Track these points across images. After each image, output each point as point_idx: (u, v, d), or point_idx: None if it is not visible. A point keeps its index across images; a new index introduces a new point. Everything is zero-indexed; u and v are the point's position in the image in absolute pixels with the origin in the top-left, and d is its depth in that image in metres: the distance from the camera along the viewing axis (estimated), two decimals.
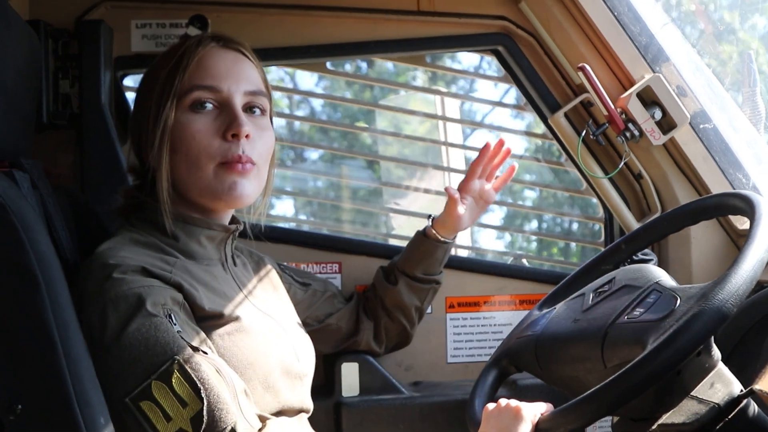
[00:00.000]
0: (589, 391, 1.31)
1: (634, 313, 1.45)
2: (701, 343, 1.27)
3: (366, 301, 2.16)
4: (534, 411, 1.45)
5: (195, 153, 1.58)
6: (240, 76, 1.63)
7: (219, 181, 1.58)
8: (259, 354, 1.55)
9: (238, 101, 1.61)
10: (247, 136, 1.59)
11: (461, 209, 2.07)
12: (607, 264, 1.83)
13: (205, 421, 1.35)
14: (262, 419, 1.45)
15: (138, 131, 1.65)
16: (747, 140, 2.39)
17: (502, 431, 1.45)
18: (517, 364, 1.76)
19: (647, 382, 1.26)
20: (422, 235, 2.11)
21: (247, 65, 1.66)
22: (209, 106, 1.59)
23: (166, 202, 1.58)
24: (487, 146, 2.09)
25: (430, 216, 2.14)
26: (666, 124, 2.24)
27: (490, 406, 1.52)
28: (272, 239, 2.28)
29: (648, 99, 2.24)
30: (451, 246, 2.14)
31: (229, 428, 1.36)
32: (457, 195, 2.06)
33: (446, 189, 2.08)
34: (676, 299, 1.40)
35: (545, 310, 1.77)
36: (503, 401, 1.51)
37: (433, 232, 2.10)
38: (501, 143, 2.11)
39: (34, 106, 1.66)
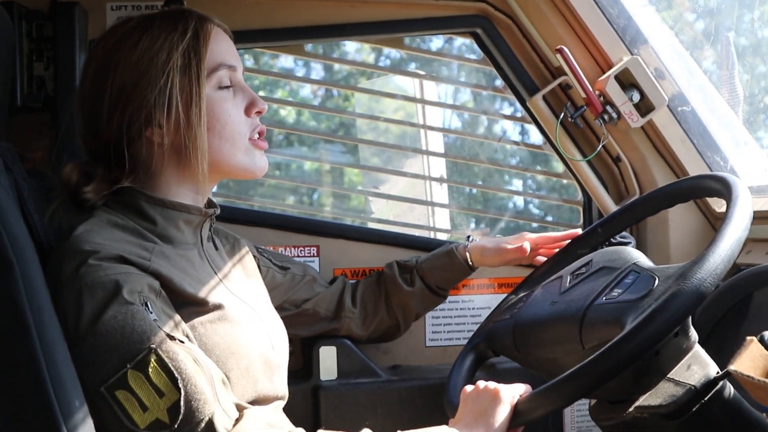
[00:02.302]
0: (567, 372, 1.31)
1: (612, 293, 1.46)
2: (680, 322, 1.27)
3: (365, 290, 2.13)
4: (512, 393, 1.46)
5: (230, 131, 1.60)
6: (238, 56, 1.67)
7: (250, 158, 1.63)
8: (239, 343, 1.54)
9: (243, 79, 1.67)
10: None
11: (510, 248, 2.03)
12: (584, 248, 1.84)
13: (182, 411, 1.33)
14: (239, 408, 1.43)
15: (133, 107, 1.54)
16: (725, 123, 2.39)
17: (481, 414, 1.45)
18: (494, 348, 1.76)
19: (626, 362, 1.27)
20: (454, 252, 2.07)
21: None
22: (228, 83, 1.61)
23: (205, 182, 1.59)
24: (575, 234, 2.01)
25: (468, 237, 2.12)
26: (644, 107, 2.24)
27: (468, 388, 1.52)
28: (249, 222, 2.27)
29: (626, 81, 2.24)
30: (470, 273, 2.10)
31: (206, 419, 1.34)
32: (528, 249, 2.02)
33: (524, 247, 2.01)
34: (654, 279, 1.41)
35: (522, 294, 1.78)
36: (481, 383, 1.51)
37: (466, 254, 2.06)
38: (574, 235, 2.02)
39: (8, 89, 1.65)
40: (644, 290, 1.40)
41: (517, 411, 1.43)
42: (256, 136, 1.64)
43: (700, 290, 1.26)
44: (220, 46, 1.62)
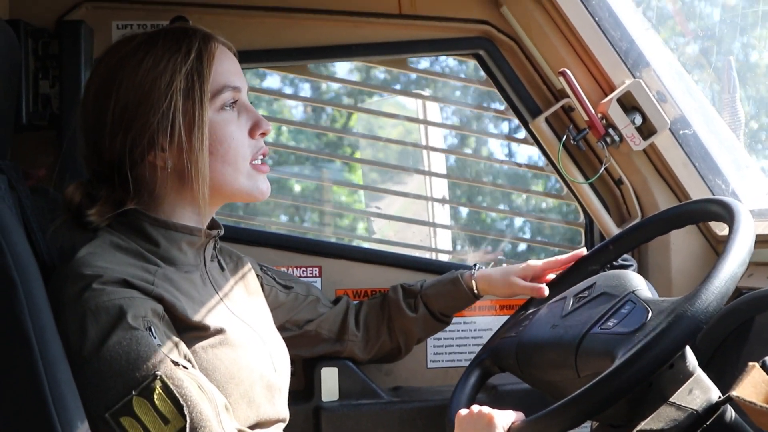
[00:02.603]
0: (557, 403, 1.33)
1: (608, 324, 1.47)
2: (668, 359, 1.28)
3: (368, 313, 2.11)
4: (506, 420, 1.47)
5: (233, 154, 1.58)
6: (242, 75, 1.65)
7: (253, 181, 1.61)
8: (240, 367, 1.53)
9: (247, 99, 1.65)
10: None
11: (522, 285, 1.98)
12: (595, 264, 1.85)
13: None
14: None
15: (136, 130, 1.53)
16: (727, 146, 2.40)
17: None
18: (499, 365, 1.78)
19: (614, 397, 1.28)
20: (459, 280, 2.05)
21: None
22: (232, 105, 1.60)
23: (206, 206, 1.58)
24: (581, 254, 1.98)
25: (475, 264, 2.08)
26: (646, 130, 2.25)
27: (463, 412, 1.53)
28: (252, 242, 2.27)
29: (628, 104, 2.25)
30: (474, 302, 2.09)
31: None
32: (545, 293, 1.93)
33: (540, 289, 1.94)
34: (648, 312, 1.41)
35: (531, 310, 1.79)
36: (476, 408, 1.52)
37: (472, 282, 2.03)
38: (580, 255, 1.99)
39: (13, 107, 1.64)
40: (637, 324, 1.41)
41: None
42: (260, 159, 1.62)
43: (691, 327, 1.27)
44: (225, 67, 1.60)
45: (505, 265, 2.10)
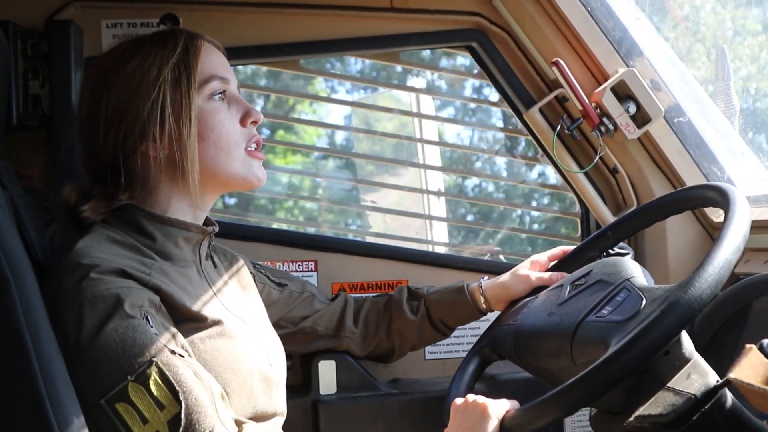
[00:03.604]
0: (551, 392, 1.33)
1: (602, 312, 1.47)
2: (662, 347, 1.27)
3: (369, 310, 2.09)
4: (500, 409, 1.46)
5: (225, 140, 1.60)
6: (231, 71, 1.68)
7: (247, 167, 1.63)
8: (238, 358, 1.53)
9: (237, 93, 1.67)
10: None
11: (536, 276, 1.94)
12: (594, 251, 1.85)
13: (182, 424, 1.33)
14: (238, 423, 1.43)
15: (128, 123, 1.56)
16: (721, 133, 2.40)
17: (469, 429, 1.46)
18: (498, 352, 1.79)
19: (607, 386, 1.28)
20: (464, 289, 2.01)
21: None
22: (219, 96, 1.62)
23: (197, 194, 1.59)
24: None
25: (483, 277, 2.03)
26: (640, 118, 2.25)
27: (459, 401, 1.53)
28: (247, 238, 2.27)
29: (622, 93, 2.24)
30: (478, 317, 2.03)
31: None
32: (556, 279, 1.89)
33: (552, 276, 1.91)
34: (642, 300, 1.41)
35: (529, 298, 1.79)
36: (470, 397, 1.52)
37: (478, 294, 1.99)
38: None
39: (3, 108, 1.64)
40: (631, 312, 1.41)
41: (503, 427, 1.44)
42: (253, 146, 1.65)
43: (685, 316, 1.26)
44: (212, 60, 1.64)
45: (501, 257, 2.10)
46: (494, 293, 1.97)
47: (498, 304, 1.97)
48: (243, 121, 1.64)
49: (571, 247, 1.98)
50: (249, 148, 1.64)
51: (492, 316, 1.96)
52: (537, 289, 1.87)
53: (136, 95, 1.56)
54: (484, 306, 1.99)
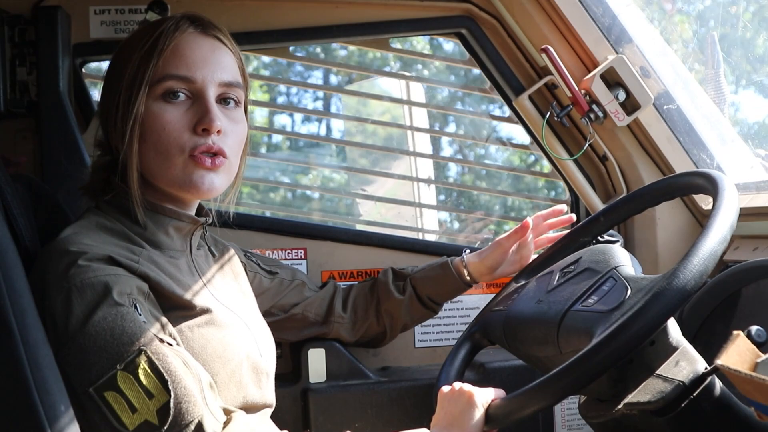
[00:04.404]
0: (535, 382, 1.33)
1: (588, 301, 1.48)
2: (645, 338, 1.27)
3: (357, 295, 2.11)
4: (486, 397, 1.48)
5: (165, 144, 1.52)
6: (216, 65, 1.57)
7: (187, 174, 1.53)
8: (227, 347, 1.53)
9: (212, 93, 1.56)
10: (218, 132, 1.54)
11: (512, 248, 2.01)
12: (586, 236, 1.85)
13: (171, 413, 1.32)
14: (227, 412, 1.42)
15: (105, 115, 1.59)
16: (711, 121, 2.39)
17: (456, 417, 1.47)
18: (489, 338, 1.80)
19: (590, 376, 1.28)
20: (448, 264, 2.04)
21: (225, 53, 1.60)
22: (182, 96, 1.54)
23: (136, 192, 1.54)
24: (561, 210, 2.06)
25: (466, 250, 2.07)
26: (630, 106, 2.24)
27: (446, 389, 1.54)
28: (236, 226, 2.26)
29: (611, 80, 2.24)
30: (465, 289, 2.07)
31: (195, 421, 1.33)
32: (530, 224, 1.99)
33: (526, 220, 1.99)
34: (627, 290, 1.42)
35: (521, 282, 1.80)
36: (457, 385, 1.52)
37: (462, 267, 2.03)
38: (561, 211, 2.07)
39: None
40: (616, 302, 1.41)
41: (489, 415, 1.45)
42: (204, 154, 1.54)
43: (668, 306, 1.26)
44: (183, 55, 1.55)
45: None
46: (475, 264, 2.02)
47: (481, 275, 2.03)
48: (195, 127, 1.54)
49: (547, 211, 2.05)
50: (195, 155, 1.53)
51: (483, 302, 1.97)
52: (529, 272, 1.87)
53: (107, 91, 1.59)
54: (468, 278, 2.03)
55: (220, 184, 1.57)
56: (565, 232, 1.96)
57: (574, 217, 2.09)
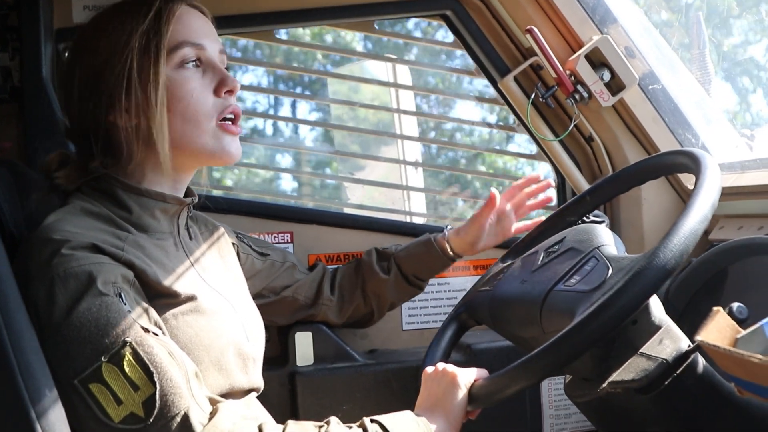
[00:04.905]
0: (517, 361, 1.34)
1: (571, 281, 1.49)
2: (626, 318, 1.27)
3: (343, 277, 2.12)
4: (469, 377, 1.49)
5: (193, 111, 1.54)
6: (213, 35, 1.62)
7: (218, 140, 1.57)
8: (212, 335, 1.52)
9: (218, 59, 1.60)
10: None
11: (488, 221, 2.04)
12: (572, 215, 1.85)
13: (157, 405, 1.31)
14: (213, 402, 1.42)
15: (98, 92, 1.54)
16: (696, 101, 2.40)
17: (439, 398, 1.49)
18: (475, 318, 1.80)
19: (571, 356, 1.29)
20: (431, 241, 2.07)
21: (212, 26, 1.65)
22: (193, 63, 1.57)
23: (167, 163, 1.54)
24: (536, 177, 2.10)
25: (447, 226, 2.11)
26: (615, 86, 2.24)
27: (429, 369, 1.56)
28: (222, 210, 2.26)
29: (596, 61, 2.24)
30: (450, 264, 2.10)
31: (182, 413, 1.32)
32: (497, 198, 2.03)
33: (492, 192, 2.03)
34: (608, 270, 1.42)
35: (507, 262, 1.80)
36: (441, 365, 1.54)
37: (444, 243, 2.06)
38: (537, 178, 2.11)
39: None
40: (597, 282, 1.42)
41: (471, 395, 1.47)
42: (230, 117, 1.59)
43: (649, 286, 1.26)
44: (187, 24, 1.58)
45: None
46: (456, 241, 2.06)
47: (463, 250, 2.07)
48: (217, 91, 1.57)
49: (521, 181, 2.10)
50: (222, 121, 1.58)
51: (470, 284, 1.98)
52: (516, 252, 1.87)
53: (106, 64, 1.53)
54: (452, 253, 2.07)
55: (241, 149, 1.63)
56: (546, 198, 2.04)
57: (552, 182, 2.12)
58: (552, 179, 2.08)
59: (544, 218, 2.03)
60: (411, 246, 2.09)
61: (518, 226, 2.10)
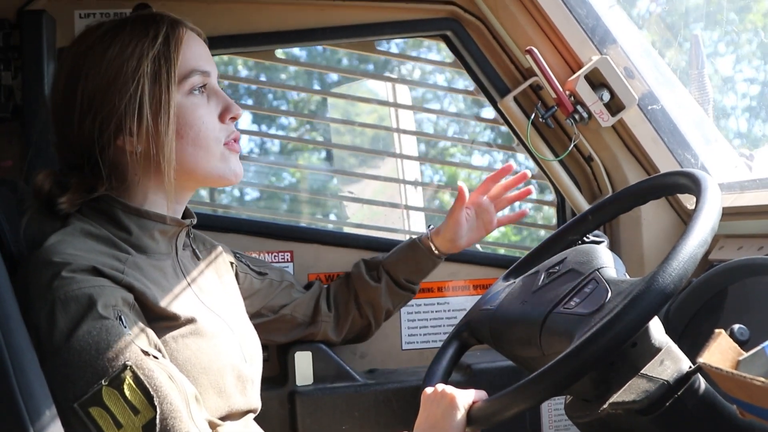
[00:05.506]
0: (516, 384, 1.34)
1: (570, 303, 1.48)
2: (624, 342, 1.27)
3: (336, 292, 2.14)
4: (468, 399, 1.48)
5: (204, 138, 1.57)
6: (212, 60, 1.65)
7: (225, 163, 1.60)
8: (211, 357, 1.52)
9: (217, 85, 1.64)
10: None
11: (464, 216, 2.08)
12: (574, 234, 1.85)
13: (157, 429, 1.31)
14: (212, 425, 1.42)
15: (104, 114, 1.52)
16: (695, 121, 2.40)
17: (438, 420, 1.48)
18: (476, 337, 1.80)
19: (570, 380, 1.28)
20: (416, 243, 2.11)
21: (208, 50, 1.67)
22: (199, 90, 1.59)
23: (172, 191, 1.56)
24: (509, 167, 2.12)
25: (429, 226, 2.14)
26: (614, 106, 2.25)
27: (428, 390, 1.55)
28: (223, 229, 2.26)
29: (596, 81, 2.25)
30: (439, 262, 2.13)
31: None
32: (466, 191, 2.06)
33: (459, 185, 2.07)
34: (608, 293, 1.42)
35: (510, 281, 1.80)
36: (440, 387, 1.53)
37: (429, 243, 2.10)
38: (509, 169, 2.13)
39: None
40: (596, 305, 1.41)
41: (470, 417, 1.46)
42: (232, 140, 1.62)
43: (647, 310, 1.26)
44: (193, 51, 1.59)
45: (478, 246, 2.12)
46: (437, 240, 2.10)
47: (446, 248, 2.11)
48: (222, 117, 1.60)
49: (495, 173, 2.13)
50: (227, 143, 1.61)
51: (469, 304, 1.98)
52: (517, 271, 1.87)
53: (113, 86, 1.52)
54: (437, 252, 2.10)
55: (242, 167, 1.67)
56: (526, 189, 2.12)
57: (529, 173, 2.13)
58: (528, 171, 2.09)
59: (527, 210, 2.15)
60: (397, 251, 2.13)
61: (501, 219, 2.14)
